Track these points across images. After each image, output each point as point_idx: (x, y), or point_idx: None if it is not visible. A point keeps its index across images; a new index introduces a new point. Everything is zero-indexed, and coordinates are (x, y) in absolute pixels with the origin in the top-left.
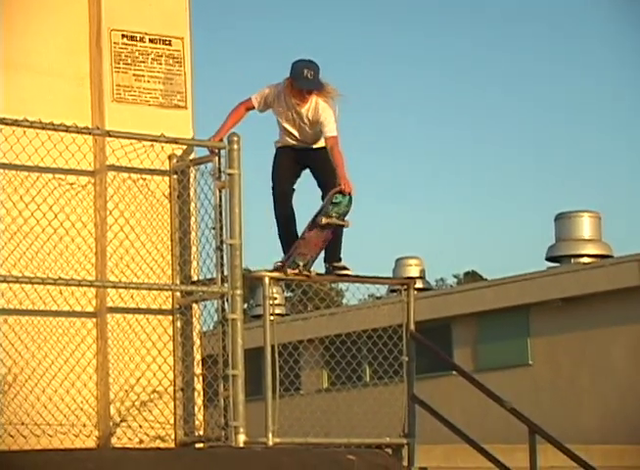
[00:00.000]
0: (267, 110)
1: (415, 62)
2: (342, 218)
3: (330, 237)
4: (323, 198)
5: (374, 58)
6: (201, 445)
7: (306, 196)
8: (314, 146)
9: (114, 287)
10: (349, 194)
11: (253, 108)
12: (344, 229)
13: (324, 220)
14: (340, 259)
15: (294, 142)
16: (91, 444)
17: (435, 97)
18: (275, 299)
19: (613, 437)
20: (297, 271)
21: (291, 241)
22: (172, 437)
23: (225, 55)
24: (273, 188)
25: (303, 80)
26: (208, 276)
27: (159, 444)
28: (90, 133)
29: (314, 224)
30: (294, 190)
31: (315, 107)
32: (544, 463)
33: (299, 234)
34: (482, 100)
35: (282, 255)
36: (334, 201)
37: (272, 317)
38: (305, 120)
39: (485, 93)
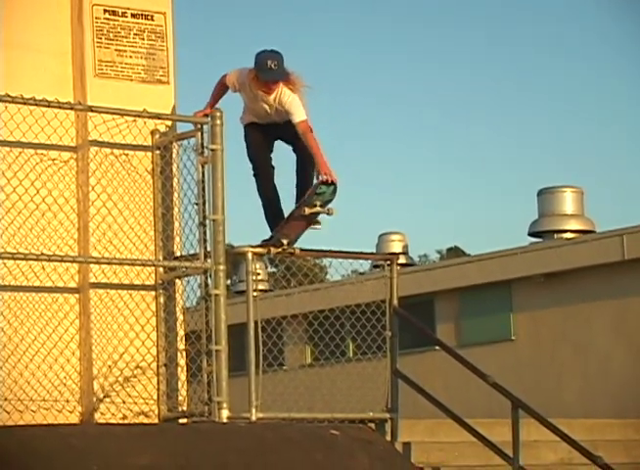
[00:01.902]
0: (238, 92)
1: (391, 42)
2: (325, 206)
3: (312, 221)
4: (298, 163)
5: (349, 40)
6: (184, 420)
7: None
8: (283, 121)
9: (97, 263)
10: (333, 183)
11: (227, 87)
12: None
13: (307, 211)
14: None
15: (261, 120)
16: (74, 419)
17: (415, 75)
18: (258, 274)
19: (594, 411)
20: (280, 250)
21: (277, 218)
22: (156, 412)
23: (207, 30)
24: (254, 170)
25: (267, 72)
26: (191, 252)
27: (142, 419)
28: (72, 108)
29: (298, 212)
30: (273, 167)
31: (281, 95)
32: (527, 437)
33: (285, 215)
34: (464, 77)
35: (267, 231)
36: (317, 192)
37: (255, 293)
38: (273, 109)
39: (467, 70)
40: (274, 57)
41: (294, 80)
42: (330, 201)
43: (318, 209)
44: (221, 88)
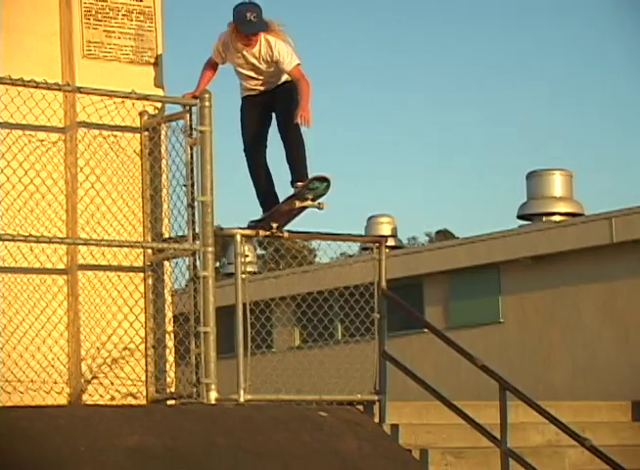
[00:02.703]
0: (227, 62)
1: (377, 24)
2: (316, 200)
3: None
4: (280, 132)
5: (336, 21)
6: (172, 402)
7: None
8: (274, 86)
9: (85, 244)
10: (326, 179)
11: (217, 63)
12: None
13: (297, 204)
14: (306, 176)
15: (255, 86)
16: (62, 401)
17: (402, 57)
18: (247, 256)
19: (582, 393)
20: (269, 233)
21: (269, 198)
22: (144, 394)
23: (197, 10)
24: (245, 149)
25: (247, 24)
26: (180, 233)
27: (130, 401)
28: (60, 89)
29: (288, 203)
30: (266, 146)
31: (267, 45)
32: (515, 419)
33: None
34: (452, 59)
35: (256, 212)
36: (310, 187)
37: (244, 275)
38: (261, 61)
39: (455, 52)
40: (252, 9)
41: (274, 28)
42: (322, 195)
43: (309, 202)
44: (209, 69)
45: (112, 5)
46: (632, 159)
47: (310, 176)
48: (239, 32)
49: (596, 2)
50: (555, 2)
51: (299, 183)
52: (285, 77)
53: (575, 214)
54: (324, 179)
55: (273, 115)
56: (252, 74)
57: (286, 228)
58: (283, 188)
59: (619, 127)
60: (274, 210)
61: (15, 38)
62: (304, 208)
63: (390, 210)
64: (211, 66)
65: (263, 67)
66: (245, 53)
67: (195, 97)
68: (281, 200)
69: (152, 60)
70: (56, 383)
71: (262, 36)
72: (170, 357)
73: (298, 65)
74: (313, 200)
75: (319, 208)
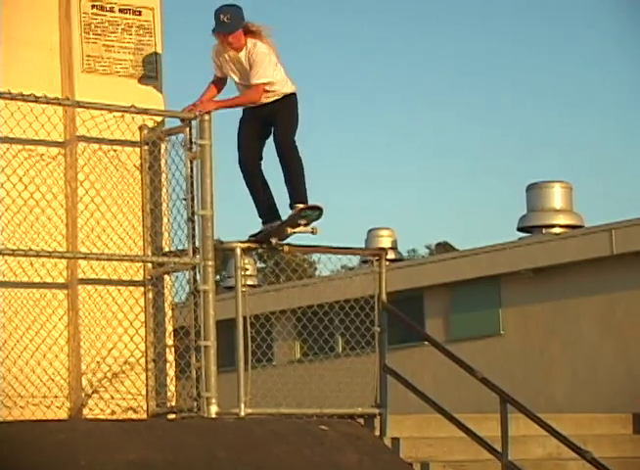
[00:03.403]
0: (225, 73)
1: (381, 33)
2: (309, 225)
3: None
4: (277, 155)
5: (339, 32)
6: (173, 416)
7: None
8: (274, 98)
9: (86, 258)
10: (319, 208)
11: (221, 78)
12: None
13: (289, 231)
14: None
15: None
16: (63, 415)
17: (404, 70)
18: (247, 270)
19: (582, 406)
20: (270, 247)
21: (267, 208)
22: (144, 408)
23: (196, 25)
24: (239, 161)
25: (221, 25)
26: (180, 247)
27: (130, 415)
28: (60, 104)
29: (280, 229)
30: (261, 158)
31: (250, 49)
32: (515, 432)
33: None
34: (453, 73)
35: (256, 225)
36: (302, 215)
37: (244, 288)
38: (246, 65)
39: (455, 66)
40: (226, 10)
41: (256, 30)
42: (315, 220)
43: (302, 228)
44: (214, 85)
45: (111, 19)
46: (632, 171)
47: (306, 202)
48: (219, 36)
49: (608, 22)
50: (563, 13)
51: (298, 205)
52: (285, 90)
53: (575, 227)
54: (316, 208)
55: (272, 128)
56: (244, 83)
57: (286, 241)
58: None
59: (620, 139)
60: (271, 230)
61: (14, 52)
62: (295, 233)
63: (390, 222)
64: (215, 82)
65: (248, 71)
66: (233, 58)
67: (192, 110)
68: (280, 211)
69: (151, 74)
70: (56, 397)
71: (249, 40)
72: (171, 371)
73: (264, 84)
74: (306, 225)
75: (312, 233)
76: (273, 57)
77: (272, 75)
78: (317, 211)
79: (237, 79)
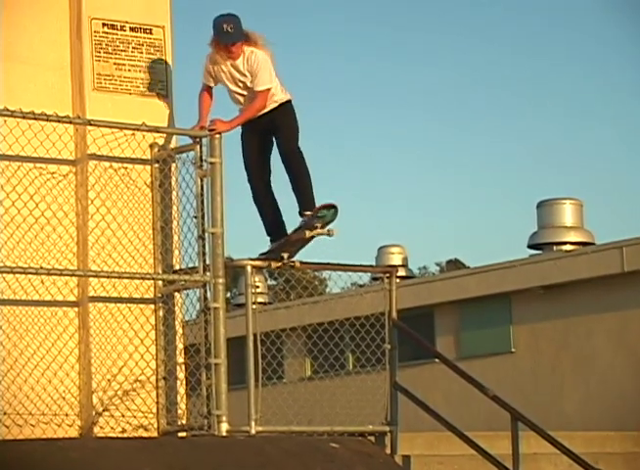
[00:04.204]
0: (218, 82)
1: (394, 51)
2: (325, 227)
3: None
4: (283, 162)
5: (344, 44)
6: (183, 434)
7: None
8: (272, 106)
9: (96, 276)
10: (334, 206)
11: (210, 87)
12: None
13: (308, 234)
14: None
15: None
16: (74, 433)
17: (416, 85)
18: (257, 287)
19: (594, 424)
20: (280, 265)
21: (275, 227)
22: (155, 426)
23: (206, 43)
24: (248, 179)
25: (224, 35)
26: (190, 265)
27: (141, 433)
28: (71, 122)
29: (298, 233)
30: (270, 172)
31: (248, 57)
32: (527, 450)
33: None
34: (464, 89)
35: (267, 242)
36: (318, 215)
37: (254, 306)
38: (245, 73)
39: (467, 81)
40: (229, 20)
41: (255, 39)
42: (331, 222)
43: (319, 230)
44: (206, 96)
45: (122, 38)
46: None
47: (317, 204)
48: (219, 45)
49: (619, 37)
50: (580, 36)
51: (307, 213)
52: (282, 97)
53: (586, 244)
54: (331, 206)
55: (274, 139)
56: (240, 91)
57: (296, 258)
58: (290, 214)
59: (630, 156)
60: (284, 240)
61: (25, 71)
62: (314, 236)
63: (401, 239)
64: (206, 92)
65: (248, 79)
66: (230, 67)
67: (202, 128)
68: (288, 228)
69: (162, 92)
70: (67, 415)
71: (246, 48)
72: (181, 389)
73: (268, 90)
74: (322, 227)
75: (329, 235)
76: (271, 64)
77: (274, 82)
78: (332, 210)
79: (233, 88)
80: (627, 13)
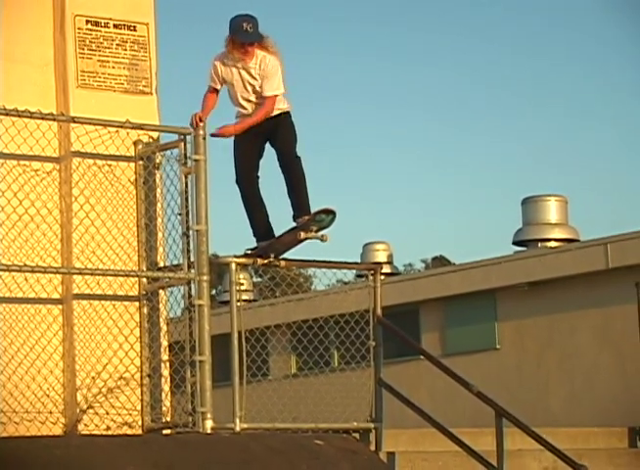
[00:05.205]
0: (225, 83)
1: (380, 45)
2: (319, 232)
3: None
4: (281, 166)
5: (337, 43)
6: (168, 431)
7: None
8: (274, 113)
9: (80, 274)
10: (333, 212)
11: (217, 89)
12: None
13: (302, 235)
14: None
15: (251, 109)
16: (58, 431)
17: (402, 85)
18: (242, 284)
19: (579, 420)
20: (267, 262)
21: (262, 228)
22: (139, 423)
23: (190, 41)
24: (237, 181)
25: (243, 33)
26: (175, 262)
27: (126, 430)
28: (55, 119)
29: (292, 234)
30: (258, 177)
31: (261, 60)
32: (511, 446)
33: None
34: (448, 84)
35: (252, 239)
36: (316, 219)
37: (239, 303)
38: (256, 76)
39: (452, 77)
40: (249, 20)
41: (268, 44)
42: (326, 227)
43: (313, 234)
44: (211, 96)
45: (106, 35)
46: (628, 184)
47: (315, 209)
48: (235, 44)
49: (611, 33)
50: (568, 32)
51: (305, 217)
52: (283, 107)
53: (571, 240)
54: (330, 212)
55: (267, 145)
56: (247, 95)
57: (281, 256)
58: (278, 218)
59: (615, 153)
60: (275, 240)
61: (9, 68)
62: (306, 239)
63: (386, 236)
64: (212, 93)
65: (257, 82)
66: (241, 69)
67: (200, 120)
68: (276, 231)
69: (146, 89)
70: (51, 413)
71: (259, 52)
72: (166, 386)
73: (276, 96)
74: (317, 231)
75: (322, 240)
76: (281, 72)
77: (282, 89)
78: (331, 216)
79: (240, 90)
80: (627, 13)
